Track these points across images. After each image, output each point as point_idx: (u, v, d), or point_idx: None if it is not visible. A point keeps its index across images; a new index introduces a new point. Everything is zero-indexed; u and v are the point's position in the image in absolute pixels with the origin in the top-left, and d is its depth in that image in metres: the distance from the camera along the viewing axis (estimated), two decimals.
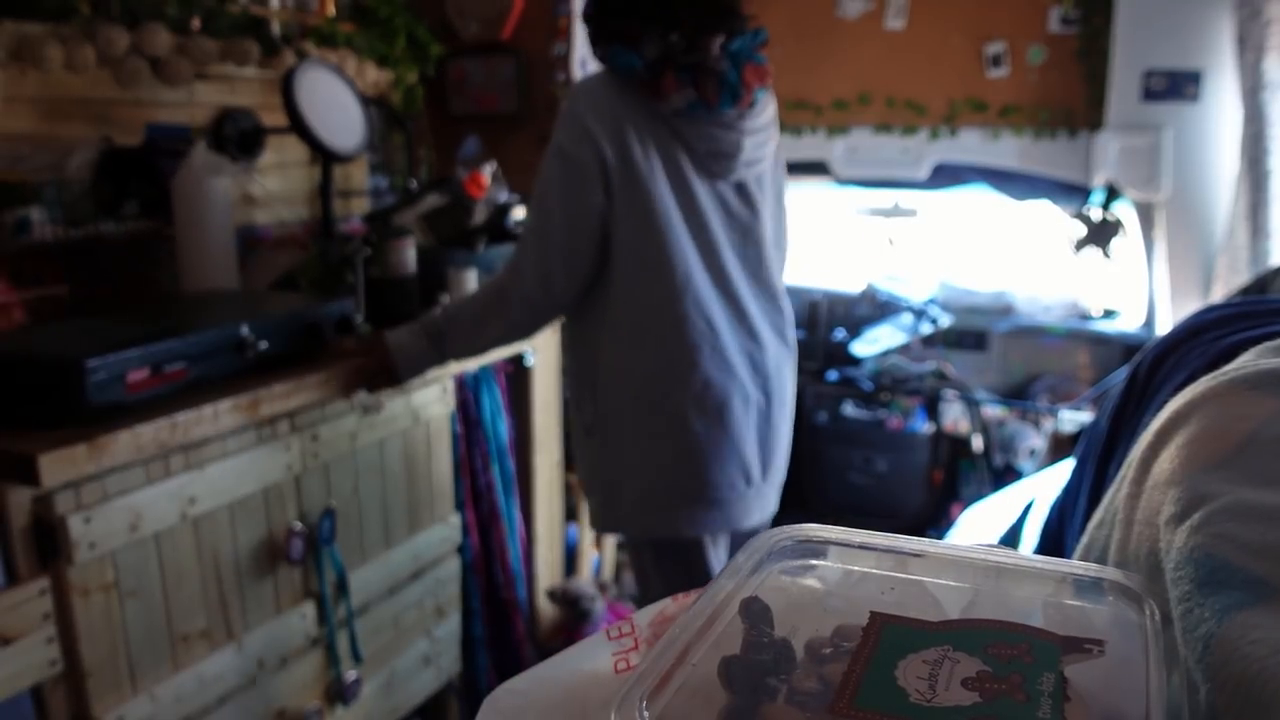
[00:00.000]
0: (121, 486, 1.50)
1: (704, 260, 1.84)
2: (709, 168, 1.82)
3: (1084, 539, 0.64)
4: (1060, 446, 3.36)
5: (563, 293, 1.83)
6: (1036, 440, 3.41)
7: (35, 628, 1.42)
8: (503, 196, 2.55)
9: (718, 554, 1.96)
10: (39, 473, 1.36)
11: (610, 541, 3.09)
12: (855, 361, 3.63)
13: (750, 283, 1.89)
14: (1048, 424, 3.41)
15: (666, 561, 1.96)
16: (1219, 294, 3.09)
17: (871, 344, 3.61)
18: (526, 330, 1.92)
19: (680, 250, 1.81)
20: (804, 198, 3.74)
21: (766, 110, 1.86)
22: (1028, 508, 2.23)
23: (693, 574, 1.92)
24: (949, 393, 3.55)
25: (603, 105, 1.77)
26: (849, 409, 3.65)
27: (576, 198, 1.77)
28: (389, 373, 1.90)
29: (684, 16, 1.73)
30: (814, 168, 3.72)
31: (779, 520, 2.25)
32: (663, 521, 1.90)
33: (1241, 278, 2.91)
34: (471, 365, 2.30)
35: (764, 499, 1.96)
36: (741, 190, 1.87)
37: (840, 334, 3.66)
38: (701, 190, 1.82)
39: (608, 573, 3.10)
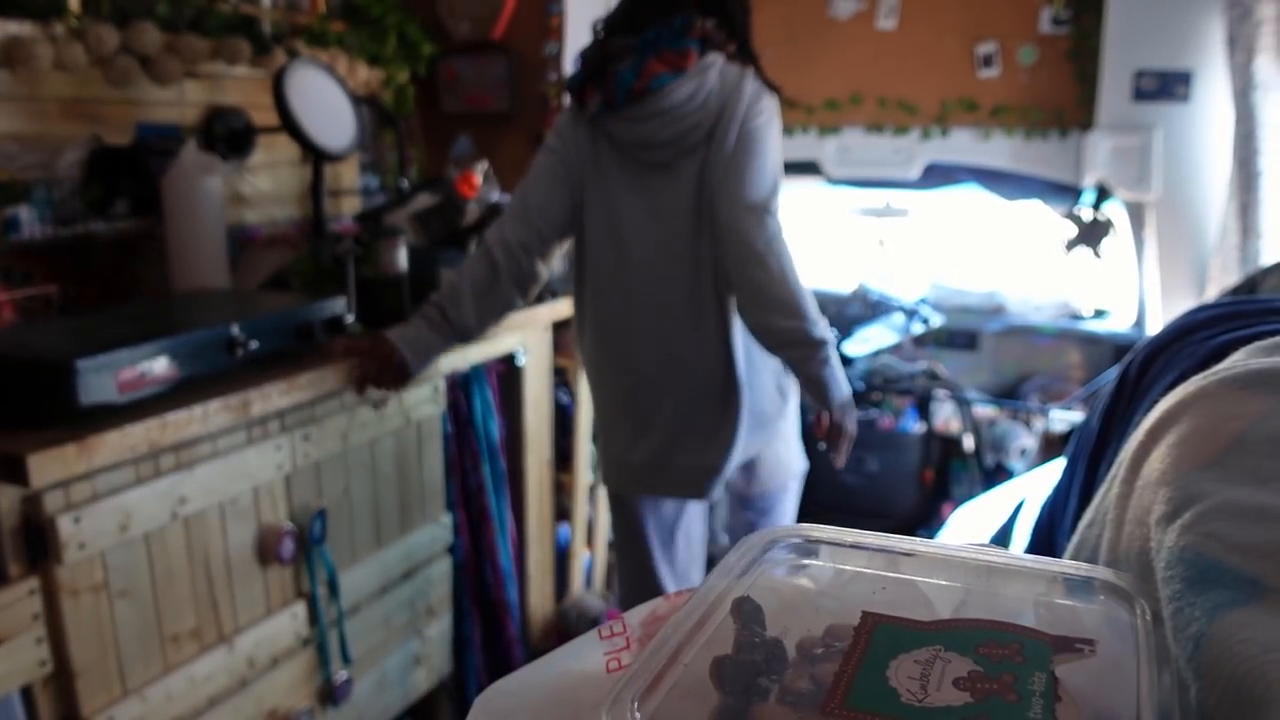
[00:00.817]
0: (111, 486, 1.50)
1: (614, 253, 2.02)
2: (637, 158, 1.99)
3: (1075, 538, 0.64)
4: (1051, 446, 3.36)
5: (537, 236, 2.01)
6: (1028, 440, 3.42)
7: (25, 628, 1.41)
8: (494, 196, 2.55)
9: (656, 513, 2.17)
10: (28, 473, 1.35)
11: (601, 542, 3.08)
12: (847, 361, 3.63)
13: (660, 269, 2.01)
14: (1039, 424, 3.42)
15: (612, 511, 2.25)
16: (1210, 294, 3.10)
17: (863, 344, 3.61)
18: (512, 278, 2.01)
19: (594, 245, 2.04)
20: (796, 198, 3.74)
21: (681, 89, 1.90)
22: (1019, 507, 2.23)
23: (621, 523, 2.23)
24: (940, 392, 3.55)
25: (570, 117, 2.03)
26: None
27: (549, 169, 2.03)
28: (396, 369, 1.94)
29: (604, 26, 2.01)
30: (806, 167, 3.72)
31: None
32: (605, 477, 2.23)
33: (1232, 277, 2.92)
34: (463, 365, 2.30)
35: (684, 471, 2.07)
36: (668, 170, 1.98)
37: (832, 334, 3.66)
38: (622, 184, 2.01)
39: (599, 572, 3.10)
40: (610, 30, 1.99)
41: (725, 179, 1.92)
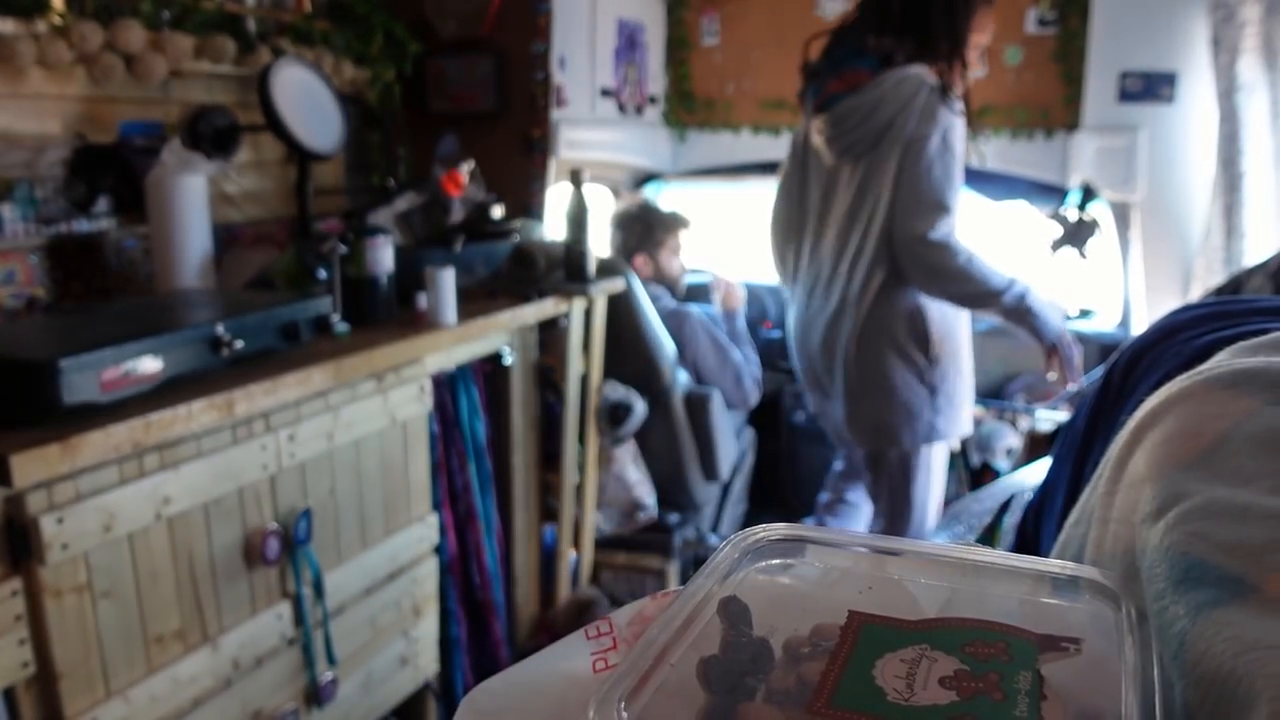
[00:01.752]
0: (95, 486, 1.49)
1: (803, 241, 2.51)
2: (823, 164, 2.41)
3: (1060, 537, 0.64)
4: (1037, 445, 3.37)
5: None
6: (1013, 439, 3.42)
7: (7, 629, 1.40)
8: (480, 195, 2.54)
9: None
10: (11, 473, 1.34)
11: (588, 541, 3.08)
12: None
13: (823, 255, 2.44)
14: (1024, 423, 3.43)
15: None
16: (1195, 294, 3.11)
17: None
18: None
19: (792, 235, 2.57)
20: None
21: (851, 103, 2.27)
22: (1005, 507, 2.24)
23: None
24: None
25: (803, 118, 2.54)
26: None
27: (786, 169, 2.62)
28: None
29: (826, 41, 2.42)
30: None
31: (759, 519, 2.26)
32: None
33: (1216, 277, 2.94)
34: (449, 364, 2.29)
35: (835, 413, 2.58)
36: (838, 174, 2.37)
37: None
38: (813, 177, 2.46)
39: (585, 572, 3.09)
40: (827, 45, 2.38)
41: (894, 203, 2.26)
